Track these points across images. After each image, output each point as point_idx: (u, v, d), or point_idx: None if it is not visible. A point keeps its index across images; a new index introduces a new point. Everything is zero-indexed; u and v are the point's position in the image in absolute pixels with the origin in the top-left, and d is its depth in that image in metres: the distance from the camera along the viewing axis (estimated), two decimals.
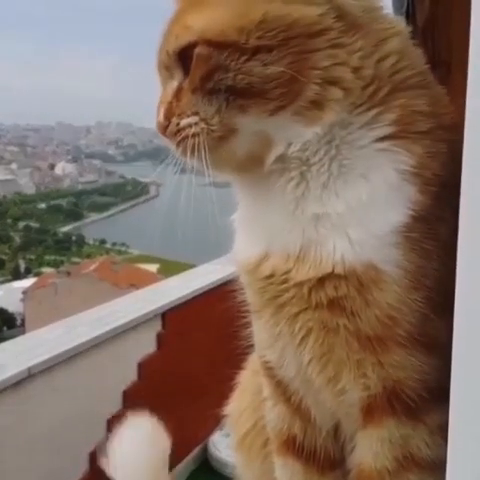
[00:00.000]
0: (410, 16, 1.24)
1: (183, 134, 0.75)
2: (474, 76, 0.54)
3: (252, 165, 0.76)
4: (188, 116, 0.74)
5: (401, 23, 0.79)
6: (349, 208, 0.72)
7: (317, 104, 0.70)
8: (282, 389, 0.90)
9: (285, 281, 0.77)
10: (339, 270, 0.73)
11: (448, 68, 1.12)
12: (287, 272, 0.77)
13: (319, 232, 0.75)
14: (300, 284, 0.76)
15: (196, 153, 0.74)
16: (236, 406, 1.13)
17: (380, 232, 0.72)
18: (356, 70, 0.71)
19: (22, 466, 2.36)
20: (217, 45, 0.69)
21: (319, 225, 0.74)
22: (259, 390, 0.99)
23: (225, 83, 0.70)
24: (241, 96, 0.70)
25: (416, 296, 0.74)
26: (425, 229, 0.73)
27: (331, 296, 0.75)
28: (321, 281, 0.75)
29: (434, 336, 0.75)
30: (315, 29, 0.68)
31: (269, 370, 0.90)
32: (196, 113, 0.74)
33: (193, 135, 0.74)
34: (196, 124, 0.74)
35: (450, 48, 1.17)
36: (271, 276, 0.79)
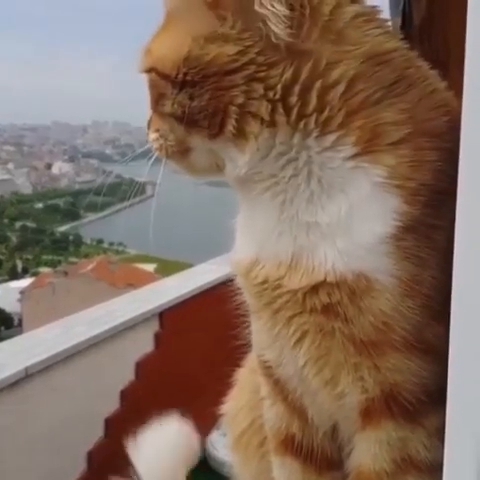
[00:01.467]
0: (407, 15, 1.24)
1: (153, 146, 0.81)
2: (470, 75, 0.54)
3: (221, 173, 0.80)
4: (153, 132, 0.80)
5: (376, 39, 0.72)
6: (334, 220, 0.73)
7: (241, 135, 0.72)
8: (280, 388, 0.90)
9: (278, 287, 0.78)
10: (331, 279, 0.74)
11: (446, 67, 1.12)
12: (280, 279, 0.77)
13: (310, 240, 0.75)
14: (294, 291, 0.77)
15: (166, 162, 0.82)
16: (233, 405, 1.13)
17: (366, 243, 0.72)
18: (278, 102, 0.71)
19: (20, 466, 2.36)
20: (161, 75, 0.74)
21: (310, 233, 0.75)
22: (256, 389, 0.99)
23: (167, 110, 0.75)
24: (181, 122, 0.74)
25: (411, 304, 0.73)
26: (419, 238, 0.72)
27: (325, 302, 0.75)
28: (314, 288, 0.75)
29: (433, 342, 0.75)
30: (231, 67, 0.69)
31: (267, 369, 0.90)
32: (157, 130, 0.79)
33: (156, 149, 0.81)
34: (157, 139, 0.80)
35: (447, 47, 1.17)
36: (264, 282, 0.79)
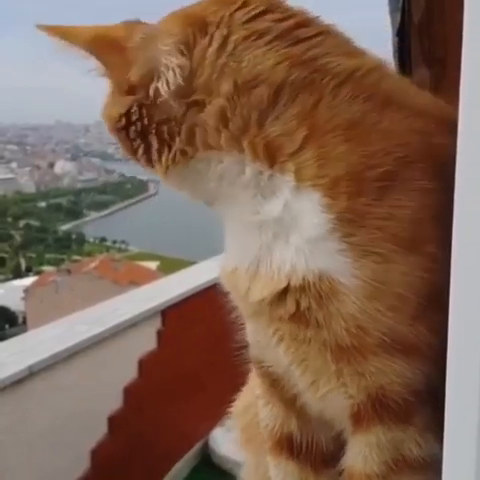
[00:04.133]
0: (406, 12, 1.24)
1: None
2: (467, 73, 0.54)
3: None
4: None
5: (244, 70, 0.74)
6: (276, 216, 0.74)
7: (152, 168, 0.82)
8: (276, 387, 0.89)
9: (247, 297, 0.78)
10: (295, 283, 0.73)
11: (444, 64, 1.12)
12: (248, 290, 0.78)
13: (263, 240, 0.76)
14: (258, 301, 0.77)
15: None
16: (242, 402, 1.12)
17: (311, 238, 0.72)
18: (164, 144, 0.78)
19: (23, 464, 2.37)
20: None
21: (262, 233, 0.76)
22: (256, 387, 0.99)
23: None
24: None
25: (379, 306, 0.72)
26: (370, 231, 0.71)
27: (291, 311, 0.75)
28: (280, 296, 0.75)
29: (414, 341, 0.74)
30: (120, 125, 0.80)
31: (263, 369, 0.90)
32: None
33: None
34: None
35: (446, 44, 1.16)
36: (240, 295, 0.80)
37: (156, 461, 2.96)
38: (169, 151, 0.78)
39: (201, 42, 0.75)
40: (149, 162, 0.80)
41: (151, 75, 0.77)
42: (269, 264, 0.75)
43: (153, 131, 0.78)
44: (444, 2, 1.17)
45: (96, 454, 2.66)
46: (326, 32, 0.78)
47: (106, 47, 0.79)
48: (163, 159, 0.78)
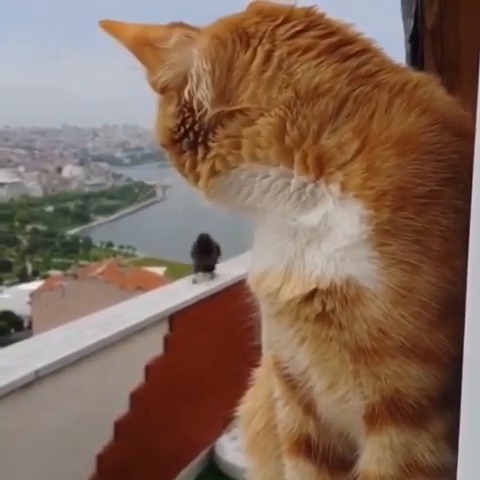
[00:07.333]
0: (419, 18, 1.24)
1: None
2: None
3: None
4: None
5: (303, 78, 0.75)
6: (315, 224, 0.76)
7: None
8: (294, 389, 0.90)
9: (276, 296, 0.81)
10: (322, 286, 0.75)
11: (457, 72, 1.12)
12: (278, 290, 0.80)
13: (297, 246, 0.78)
14: (287, 301, 0.79)
15: None
16: (249, 405, 1.12)
17: (343, 247, 0.74)
18: (215, 158, 0.80)
19: (29, 468, 2.37)
20: None
21: (297, 241, 0.78)
22: (273, 389, 0.99)
23: None
24: None
25: (403, 311, 0.73)
26: (405, 243, 0.73)
27: (318, 311, 0.77)
28: (308, 298, 0.77)
29: (432, 348, 0.75)
30: (175, 137, 0.82)
31: (282, 370, 0.91)
32: None
33: None
34: None
35: (459, 50, 1.16)
36: (269, 295, 0.82)
37: (162, 467, 2.95)
38: (210, 160, 0.80)
39: (242, 54, 0.77)
40: (196, 178, 0.82)
41: (183, 78, 0.79)
42: (302, 267, 0.78)
43: (200, 140, 0.79)
44: (458, 8, 1.16)
45: (102, 459, 2.65)
46: (369, 49, 0.80)
47: (144, 47, 0.81)
48: (204, 169, 0.80)
